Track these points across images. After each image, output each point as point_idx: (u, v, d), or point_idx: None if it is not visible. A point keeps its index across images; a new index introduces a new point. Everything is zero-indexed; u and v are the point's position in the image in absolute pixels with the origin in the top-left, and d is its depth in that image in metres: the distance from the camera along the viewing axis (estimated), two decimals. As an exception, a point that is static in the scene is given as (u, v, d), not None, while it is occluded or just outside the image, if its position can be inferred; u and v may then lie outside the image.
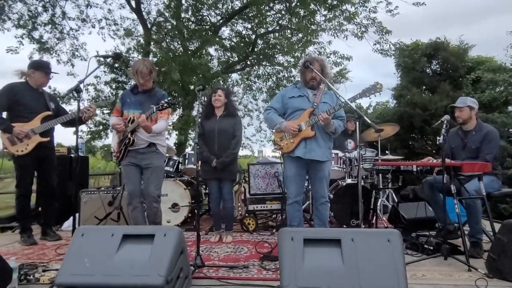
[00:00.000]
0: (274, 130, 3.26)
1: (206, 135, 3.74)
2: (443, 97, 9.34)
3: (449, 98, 9.41)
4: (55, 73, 3.77)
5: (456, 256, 2.78)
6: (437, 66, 10.80)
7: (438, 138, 2.83)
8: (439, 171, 2.92)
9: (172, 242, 1.91)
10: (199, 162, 2.96)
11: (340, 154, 4.50)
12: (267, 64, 9.71)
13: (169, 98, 3.07)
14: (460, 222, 2.82)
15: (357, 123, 2.69)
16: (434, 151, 8.73)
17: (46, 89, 3.89)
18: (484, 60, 10.44)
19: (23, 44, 8.04)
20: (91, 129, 9.01)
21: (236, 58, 9.43)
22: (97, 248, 1.93)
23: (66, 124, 3.69)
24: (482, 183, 2.94)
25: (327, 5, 7.99)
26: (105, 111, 8.57)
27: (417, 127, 9.48)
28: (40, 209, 4.07)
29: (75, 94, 2.82)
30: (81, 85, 2.84)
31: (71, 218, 4.63)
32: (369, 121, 2.72)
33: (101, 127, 8.91)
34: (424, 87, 10.55)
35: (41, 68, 3.64)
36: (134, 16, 8.66)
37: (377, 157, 4.56)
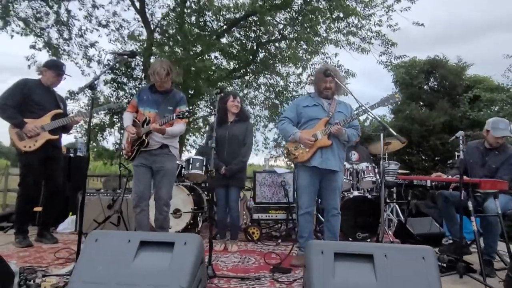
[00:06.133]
0: (288, 140, 3.18)
1: (217, 141, 3.65)
2: (441, 114, 9.41)
3: (447, 115, 9.51)
4: (68, 75, 3.77)
5: (472, 274, 2.73)
6: (435, 83, 10.91)
7: (457, 154, 2.80)
8: (455, 187, 2.88)
9: (193, 251, 1.80)
10: (214, 169, 2.86)
11: (347, 165, 4.44)
12: (267, 73, 9.65)
13: (188, 108, 3.06)
14: (477, 241, 2.76)
15: (381, 134, 2.64)
16: (436, 167, 8.73)
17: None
18: (481, 79, 10.57)
19: (40, 50, 7.93)
20: (85, 130, 8.75)
21: (238, 66, 9.36)
22: (112, 254, 1.80)
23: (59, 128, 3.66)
24: (497, 201, 2.91)
25: (332, 17, 7.99)
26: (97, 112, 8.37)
27: (415, 142, 9.50)
28: (36, 209, 3.89)
29: (89, 91, 2.72)
30: (96, 82, 2.75)
31: (67, 220, 4.48)
32: (395, 133, 2.68)
33: (96, 128, 8.67)
34: (421, 103, 10.62)
35: (53, 68, 3.63)
36: (138, 17, 8.54)
37: (398, 170, 4.51)
